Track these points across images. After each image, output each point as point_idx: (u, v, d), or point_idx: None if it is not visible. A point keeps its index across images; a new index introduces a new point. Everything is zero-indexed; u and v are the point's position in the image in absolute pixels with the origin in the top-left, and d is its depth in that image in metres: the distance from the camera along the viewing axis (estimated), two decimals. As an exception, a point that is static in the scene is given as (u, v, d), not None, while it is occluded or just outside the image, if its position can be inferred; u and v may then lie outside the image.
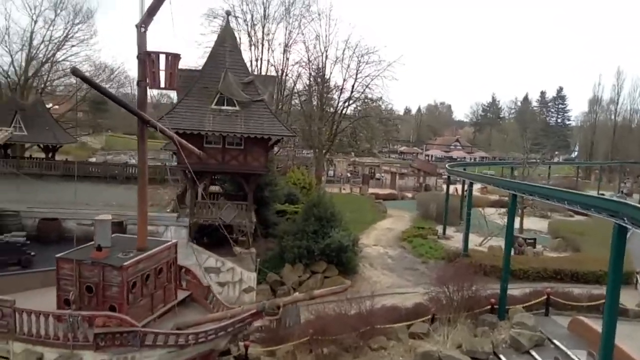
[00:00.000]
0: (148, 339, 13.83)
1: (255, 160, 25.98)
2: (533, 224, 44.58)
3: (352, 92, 53.40)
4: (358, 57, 51.37)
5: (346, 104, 56.06)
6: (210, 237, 26.16)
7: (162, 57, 15.97)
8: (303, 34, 56.44)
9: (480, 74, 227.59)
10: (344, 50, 51.88)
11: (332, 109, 56.10)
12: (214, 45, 28.78)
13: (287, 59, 51.74)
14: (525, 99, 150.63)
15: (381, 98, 57.37)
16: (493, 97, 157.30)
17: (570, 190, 19.68)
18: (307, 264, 26.51)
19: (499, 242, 30.23)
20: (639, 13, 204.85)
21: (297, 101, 57.33)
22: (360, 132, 64.92)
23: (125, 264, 14.54)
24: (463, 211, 36.86)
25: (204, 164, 25.60)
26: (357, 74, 52.22)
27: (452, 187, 46.16)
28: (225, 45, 27.53)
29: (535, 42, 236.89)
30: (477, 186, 47.65)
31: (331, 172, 71.56)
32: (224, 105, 25.85)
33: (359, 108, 61.42)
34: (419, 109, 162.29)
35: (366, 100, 58.50)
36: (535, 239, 36.04)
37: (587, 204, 16.05)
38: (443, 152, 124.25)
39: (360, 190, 59.53)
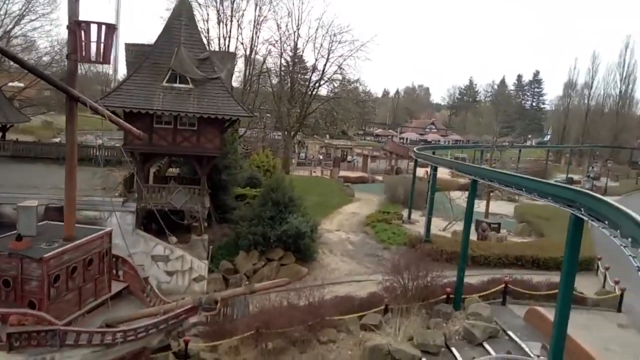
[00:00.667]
0: (69, 338, 12.80)
1: (209, 142, 24.66)
2: (499, 207, 44.15)
3: (323, 72, 52.04)
4: (331, 37, 49.91)
5: (317, 84, 54.66)
6: (160, 223, 24.78)
7: (94, 28, 14.60)
8: (275, 12, 54.67)
9: (459, 57, 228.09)
10: (317, 29, 50.36)
11: (304, 89, 54.64)
12: (168, 18, 27.15)
13: (257, 36, 49.93)
14: (502, 82, 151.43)
15: (358, 80, 56.18)
16: (470, 80, 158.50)
17: (529, 177, 19.01)
18: (262, 251, 25.42)
19: (464, 226, 29.63)
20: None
21: (267, 81, 55.63)
22: (336, 114, 63.67)
23: (46, 255, 13.42)
24: (430, 195, 36.14)
25: (153, 145, 24.29)
26: (329, 54, 50.86)
27: (422, 170, 45.43)
28: (181, 19, 25.88)
29: (515, 24, 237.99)
30: (446, 169, 47.10)
31: (303, 155, 70.30)
32: (176, 82, 24.40)
33: (335, 89, 60.11)
34: (396, 92, 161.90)
35: (343, 82, 57.22)
36: (499, 224, 35.61)
37: (545, 192, 15.35)
38: (418, 135, 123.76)
39: (331, 174, 58.51)
